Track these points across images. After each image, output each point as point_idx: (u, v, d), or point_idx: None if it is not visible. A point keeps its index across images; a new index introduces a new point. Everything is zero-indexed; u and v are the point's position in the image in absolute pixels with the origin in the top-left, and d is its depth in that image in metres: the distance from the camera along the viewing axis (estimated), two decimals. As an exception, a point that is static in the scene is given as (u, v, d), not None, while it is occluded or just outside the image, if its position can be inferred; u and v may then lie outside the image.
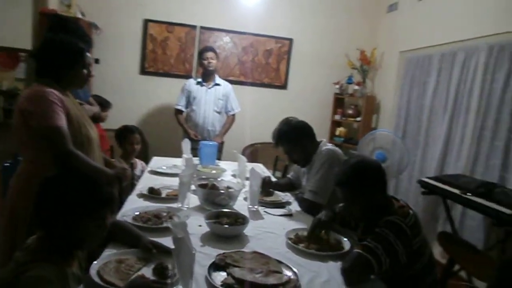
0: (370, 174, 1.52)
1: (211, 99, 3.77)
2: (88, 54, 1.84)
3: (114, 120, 3.55)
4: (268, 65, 4.68)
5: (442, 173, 3.36)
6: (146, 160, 3.25)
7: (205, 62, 3.70)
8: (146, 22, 4.36)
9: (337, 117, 4.74)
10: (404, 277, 1.44)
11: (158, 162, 3.05)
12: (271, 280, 1.30)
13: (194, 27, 4.46)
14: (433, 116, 3.69)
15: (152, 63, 4.45)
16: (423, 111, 3.83)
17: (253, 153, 4.54)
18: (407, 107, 4.08)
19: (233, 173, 2.88)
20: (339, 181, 1.54)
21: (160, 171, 2.74)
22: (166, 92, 4.45)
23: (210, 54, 3.70)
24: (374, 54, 4.55)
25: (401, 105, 4.19)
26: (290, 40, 4.67)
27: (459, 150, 3.29)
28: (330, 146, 2.31)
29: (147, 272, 1.29)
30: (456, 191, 2.64)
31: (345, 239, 1.71)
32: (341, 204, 1.77)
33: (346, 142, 4.57)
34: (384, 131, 4.15)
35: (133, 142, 2.83)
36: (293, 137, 2.28)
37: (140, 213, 1.78)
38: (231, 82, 4.04)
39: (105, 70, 4.25)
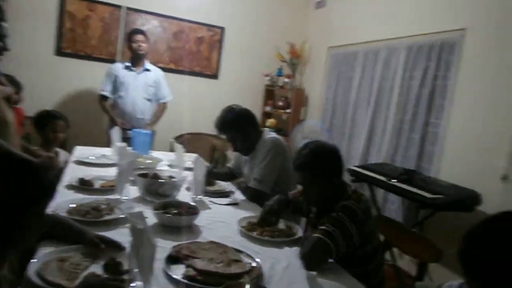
0: (329, 157, 1.55)
1: (141, 86, 3.53)
2: (4, 24, 1.58)
3: (25, 105, 3.13)
4: (200, 53, 4.54)
5: (366, 162, 3.61)
6: (65, 150, 2.93)
7: (135, 45, 3.45)
8: (64, -3, 3.92)
9: (268, 108, 4.80)
10: (356, 258, 1.50)
11: (83, 152, 2.77)
12: (234, 269, 1.25)
13: (119, 7, 4.13)
14: (358, 109, 3.94)
15: (71, 44, 4.02)
16: (349, 104, 4.06)
17: (183, 143, 4.38)
18: (334, 101, 4.30)
19: (169, 163, 2.74)
20: (299, 164, 1.54)
21: (88, 162, 2.50)
22: (86, 76, 4.06)
23: (140, 37, 3.46)
24: (303, 48, 4.70)
25: (328, 98, 4.40)
26: (222, 28, 4.59)
27: (381, 141, 3.57)
28: (273, 134, 2.33)
29: (97, 269, 1.16)
30: (382, 178, 2.86)
31: (296, 225, 1.73)
32: (293, 191, 1.78)
33: (276, 133, 4.65)
34: (312, 122, 4.34)
35: (56, 130, 2.52)
36: (237, 125, 2.24)
37: (76, 205, 1.59)
38: (160, 69, 3.82)
39: (12, 47, 3.71)
